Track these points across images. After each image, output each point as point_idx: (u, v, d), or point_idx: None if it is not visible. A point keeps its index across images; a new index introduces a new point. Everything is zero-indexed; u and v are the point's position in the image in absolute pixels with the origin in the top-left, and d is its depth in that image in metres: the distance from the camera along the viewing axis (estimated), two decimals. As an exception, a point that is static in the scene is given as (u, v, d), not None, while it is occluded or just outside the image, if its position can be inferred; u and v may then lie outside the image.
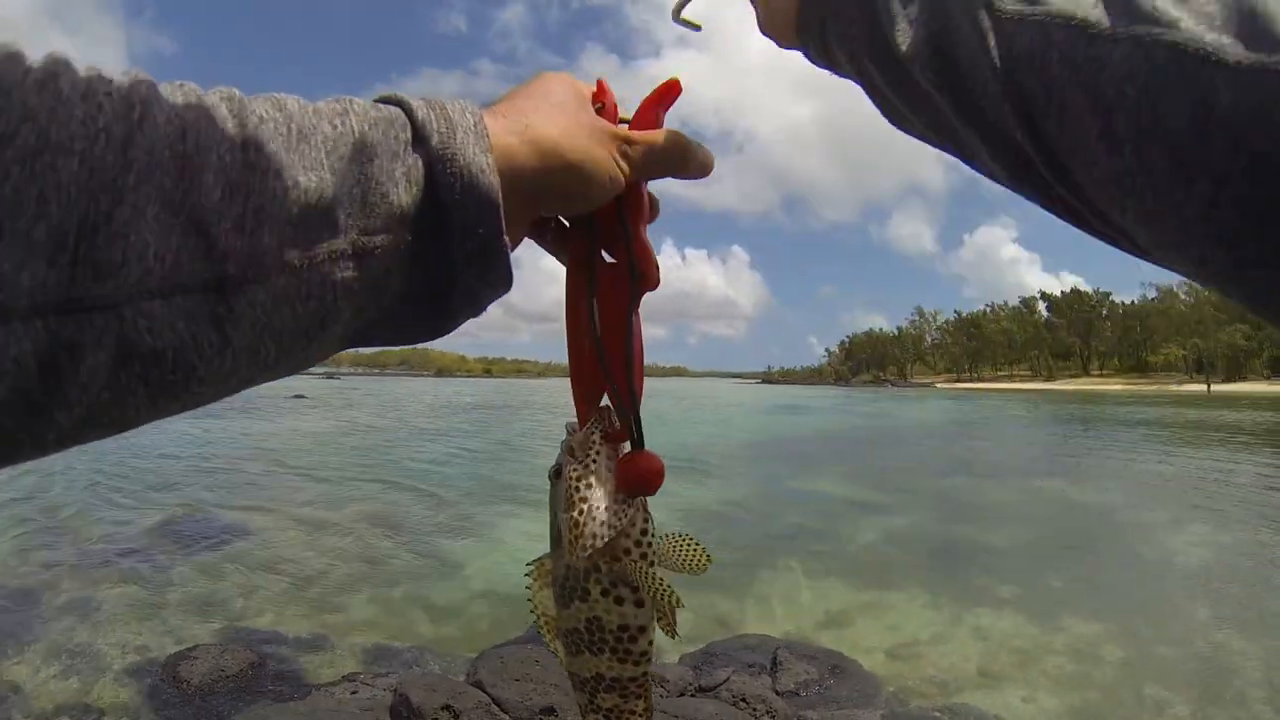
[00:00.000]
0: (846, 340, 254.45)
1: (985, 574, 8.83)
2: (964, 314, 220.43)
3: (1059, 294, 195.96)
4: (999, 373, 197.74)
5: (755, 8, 0.72)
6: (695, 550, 0.67)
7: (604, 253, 0.68)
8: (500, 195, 0.50)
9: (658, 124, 0.67)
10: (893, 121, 0.63)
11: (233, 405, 34.69)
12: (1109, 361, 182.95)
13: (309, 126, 0.45)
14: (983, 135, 0.51)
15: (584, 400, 0.71)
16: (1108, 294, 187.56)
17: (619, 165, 0.60)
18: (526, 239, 0.63)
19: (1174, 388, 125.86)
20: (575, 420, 0.71)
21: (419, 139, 0.49)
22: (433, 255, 0.50)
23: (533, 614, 0.73)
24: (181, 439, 21.42)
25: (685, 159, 0.65)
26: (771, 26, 0.71)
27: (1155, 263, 0.47)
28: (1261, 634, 6.75)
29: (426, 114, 0.50)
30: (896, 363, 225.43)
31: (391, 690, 4.74)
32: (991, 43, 0.47)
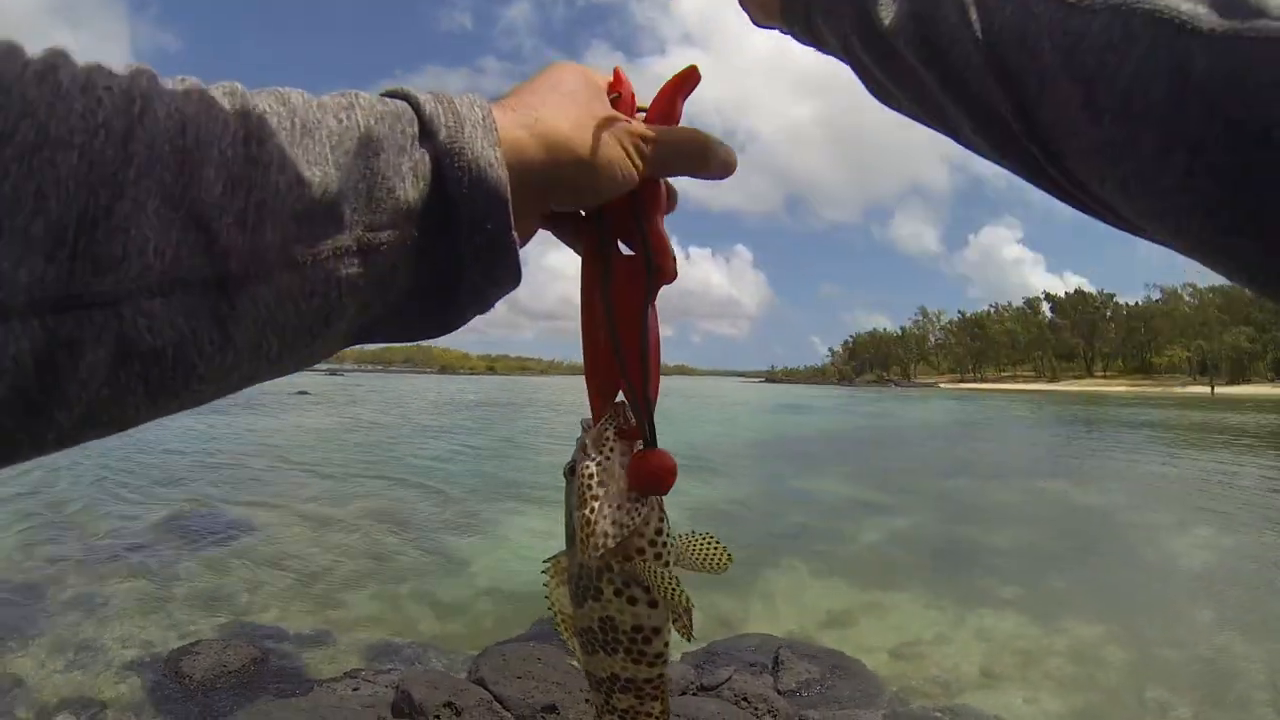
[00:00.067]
0: (850, 340, 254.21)
1: (988, 575, 8.82)
2: (968, 314, 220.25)
3: (1063, 295, 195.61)
4: (1002, 373, 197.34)
5: None
6: (716, 549, 0.67)
7: (621, 244, 0.67)
8: (509, 190, 0.49)
9: (676, 113, 0.66)
10: (880, 98, 0.63)
11: (237, 401, 34.72)
12: (1112, 363, 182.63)
13: (313, 121, 0.44)
14: (967, 109, 0.51)
15: (599, 396, 0.69)
16: (1112, 295, 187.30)
17: (632, 161, 0.59)
18: (541, 230, 0.62)
19: (1178, 390, 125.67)
20: (590, 417, 0.70)
21: (426, 133, 0.48)
22: (440, 251, 0.49)
23: (550, 610, 0.73)
24: (187, 434, 21.47)
25: (704, 158, 0.63)
26: (756, 5, 0.71)
27: (1138, 235, 0.47)
28: (1264, 637, 6.73)
29: (434, 108, 0.49)
30: (900, 363, 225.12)
31: (394, 687, 4.75)
32: (973, 15, 0.48)
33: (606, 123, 0.58)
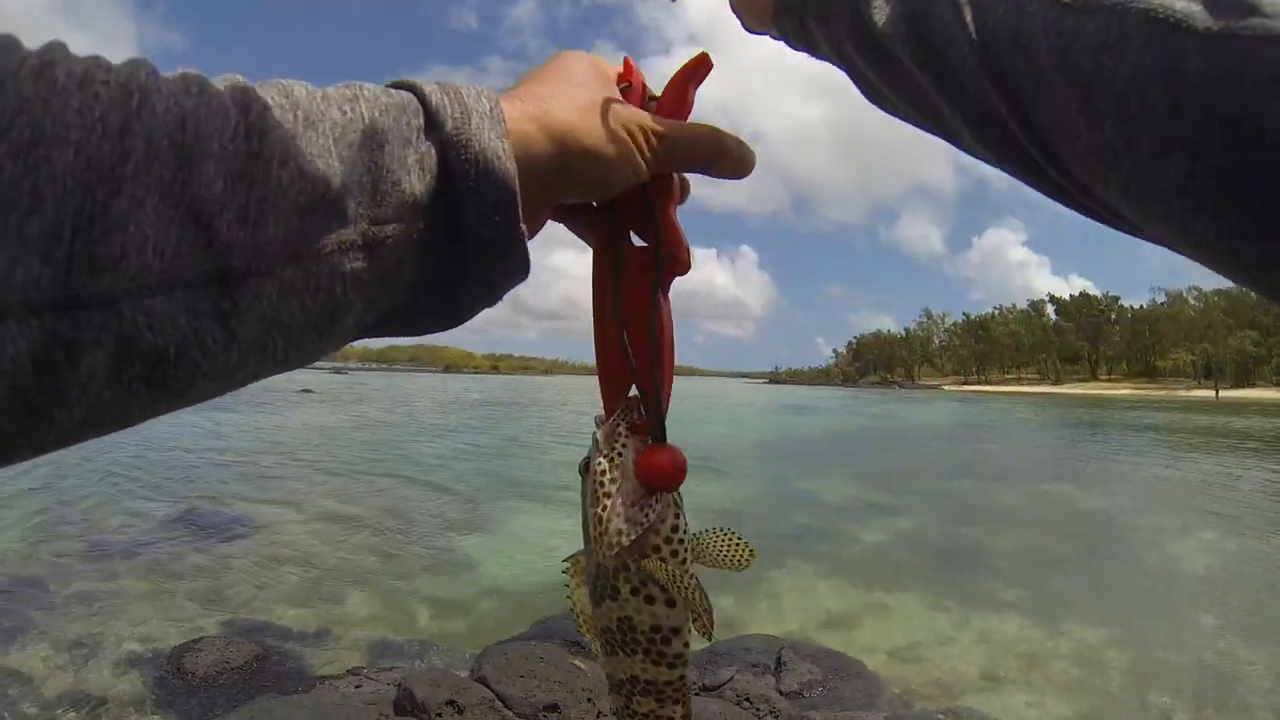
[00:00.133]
0: (854, 341, 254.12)
1: (991, 577, 8.81)
2: (972, 316, 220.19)
3: (1067, 297, 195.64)
4: (1006, 376, 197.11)
5: None
6: (738, 545, 0.65)
7: (634, 235, 0.65)
8: (517, 182, 0.49)
9: (688, 102, 0.65)
10: (875, 103, 0.62)
11: (242, 399, 34.84)
12: (1117, 366, 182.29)
13: (316, 113, 0.43)
14: (964, 111, 0.51)
15: (611, 391, 0.66)
16: (1116, 298, 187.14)
17: (643, 155, 0.58)
18: (544, 230, 0.61)
19: (1182, 393, 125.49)
20: (603, 413, 0.67)
21: (432, 125, 0.47)
22: (447, 244, 0.48)
23: (571, 611, 0.71)
24: (193, 432, 21.52)
25: (717, 156, 0.62)
26: (748, 9, 0.69)
27: (1143, 238, 0.47)
28: (1267, 642, 6.72)
29: (440, 99, 0.48)
30: (904, 364, 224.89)
31: (395, 685, 4.75)
32: (968, 16, 0.48)
33: (617, 115, 0.57)
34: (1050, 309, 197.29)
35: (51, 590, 7.23)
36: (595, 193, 0.59)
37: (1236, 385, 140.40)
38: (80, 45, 0.38)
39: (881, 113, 0.63)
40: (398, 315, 0.51)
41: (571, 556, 0.69)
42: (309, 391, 51.61)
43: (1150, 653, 6.54)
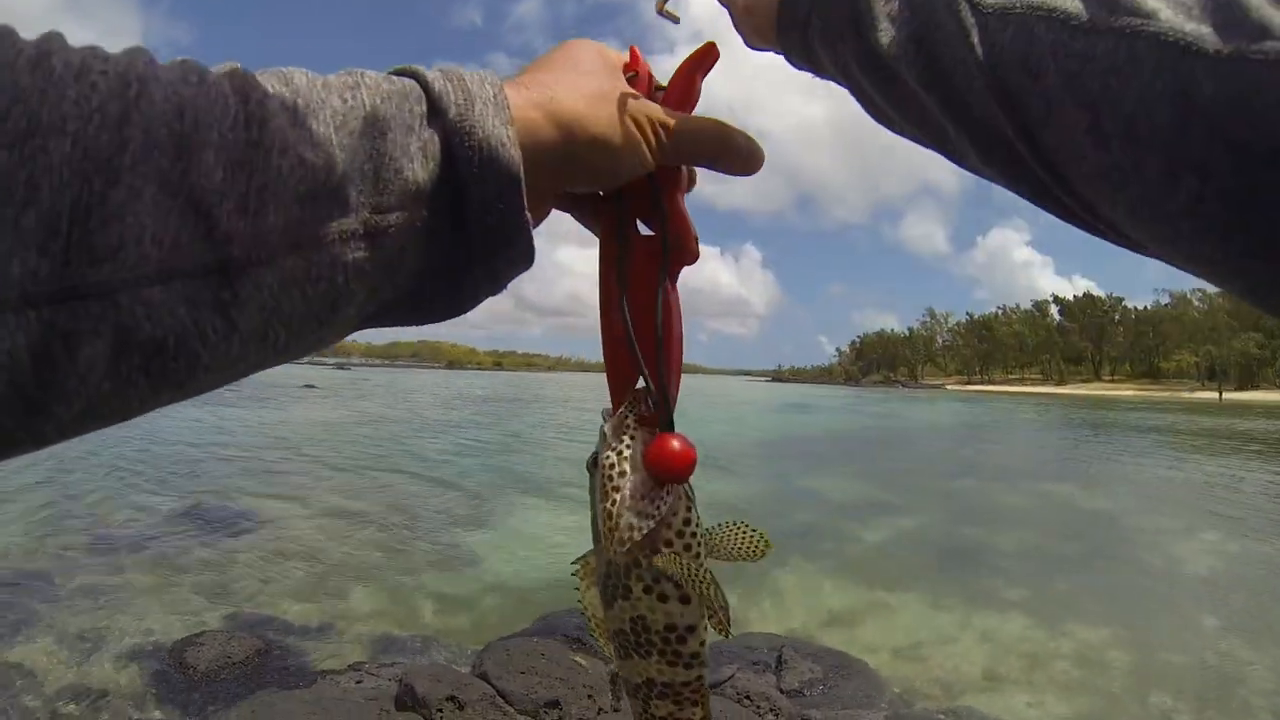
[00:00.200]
0: (857, 340, 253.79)
1: (993, 577, 8.81)
2: (976, 316, 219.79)
3: (1071, 298, 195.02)
4: (1010, 376, 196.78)
5: (730, 7, 0.70)
6: (751, 536, 0.64)
7: (641, 224, 0.64)
8: (521, 169, 0.48)
9: (695, 91, 0.64)
10: (880, 121, 0.62)
11: (245, 394, 34.90)
12: (1120, 367, 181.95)
13: (317, 101, 0.43)
14: (970, 133, 0.50)
15: (619, 383, 0.65)
16: (1121, 299, 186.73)
17: (649, 146, 0.57)
18: (546, 229, 0.60)
19: (1186, 395, 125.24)
20: (610, 406, 0.65)
21: (435, 111, 0.47)
22: (450, 232, 0.48)
23: (583, 615, 0.69)
24: (197, 427, 21.55)
25: (724, 151, 0.61)
26: (749, 25, 0.69)
27: (1151, 256, 0.46)
28: (1269, 643, 6.71)
29: (443, 85, 0.47)
30: (907, 363, 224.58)
31: (397, 680, 4.76)
32: (975, 39, 0.47)
33: (624, 104, 0.56)
34: (1054, 309, 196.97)
35: (55, 584, 7.24)
36: (602, 182, 0.59)
37: (1240, 387, 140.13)
38: (84, 39, 0.37)
39: None
40: (401, 304, 0.50)
41: (581, 558, 0.68)
42: (311, 387, 51.65)
43: (1152, 653, 6.53)
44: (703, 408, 47.62)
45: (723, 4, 0.71)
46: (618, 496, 0.59)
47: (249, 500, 11.58)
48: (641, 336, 0.62)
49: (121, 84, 0.36)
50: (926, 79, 0.51)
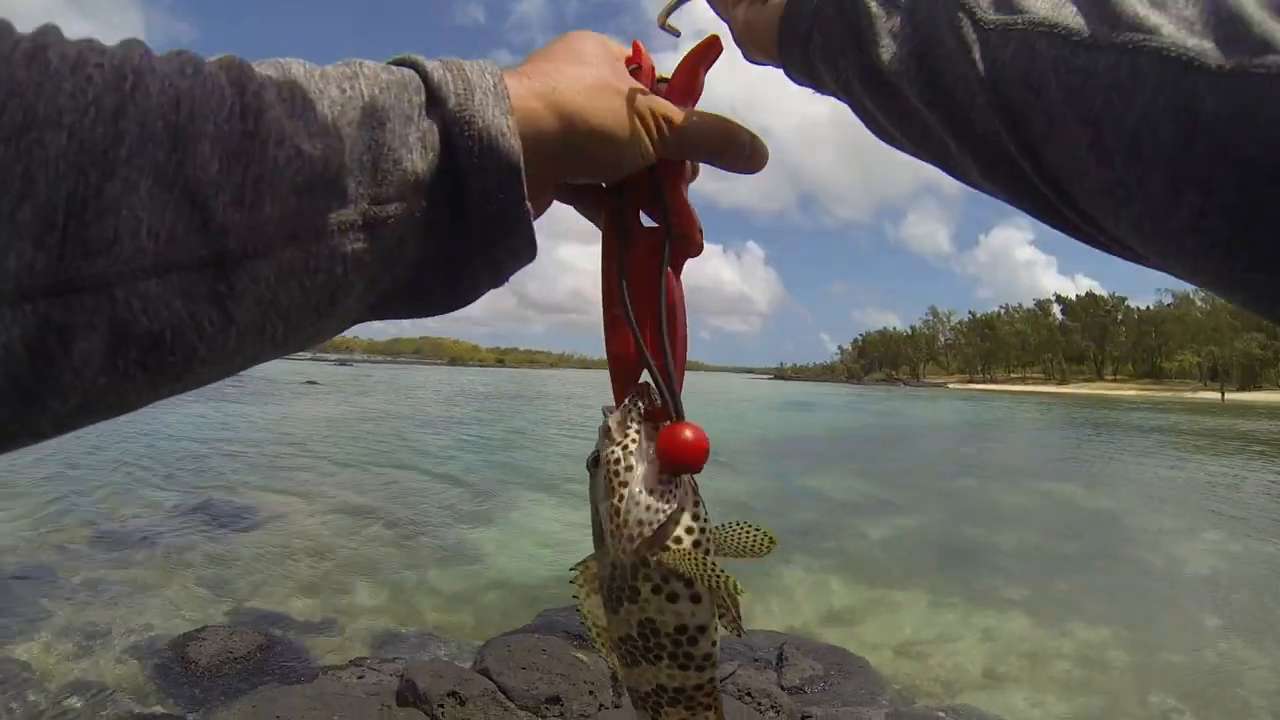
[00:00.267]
0: (859, 338, 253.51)
1: (994, 575, 8.80)
2: (978, 315, 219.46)
3: (1074, 297, 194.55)
4: (1012, 375, 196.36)
5: (730, 22, 0.69)
6: (756, 534, 0.61)
7: (646, 215, 0.63)
8: (522, 159, 0.47)
9: (698, 85, 0.64)
10: (881, 138, 0.61)
11: (247, 390, 34.92)
12: (1123, 367, 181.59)
13: (314, 91, 0.42)
14: (973, 150, 0.50)
15: (621, 377, 0.64)
16: (1123, 299, 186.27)
17: (651, 140, 0.57)
18: (548, 224, 0.59)
19: (1188, 395, 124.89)
20: (612, 403, 0.63)
21: (434, 101, 0.46)
22: (450, 223, 0.47)
23: (583, 625, 0.65)
24: (200, 422, 21.54)
25: (728, 148, 0.61)
26: (750, 40, 0.68)
27: (1154, 268, 0.46)
28: (1270, 644, 6.71)
29: (442, 75, 0.47)
30: (909, 362, 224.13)
31: (398, 676, 4.76)
32: (976, 55, 0.47)
33: (627, 95, 0.56)
34: (1056, 309, 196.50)
35: (59, 579, 7.26)
36: (603, 173, 0.58)
37: (1243, 388, 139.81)
38: (87, 35, 0.37)
39: None
40: (400, 295, 0.50)
41: (579, 564, 0.65)
42: (314, 383, 51.56)
43: (1153, 653, 6.53)
44: (704, 405, 47.58)
45: (723, 18, 0.70)
46: (625, 492, 0.58)
47: (251, 495, 11.59)
48: (644, 328, 0.61)
49: (117, 76, 0.36)
50: (928, 95, 0.51)
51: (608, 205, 0.64)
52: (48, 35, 0.36)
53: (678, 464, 0.58)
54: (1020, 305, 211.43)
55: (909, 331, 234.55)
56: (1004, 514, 13.06)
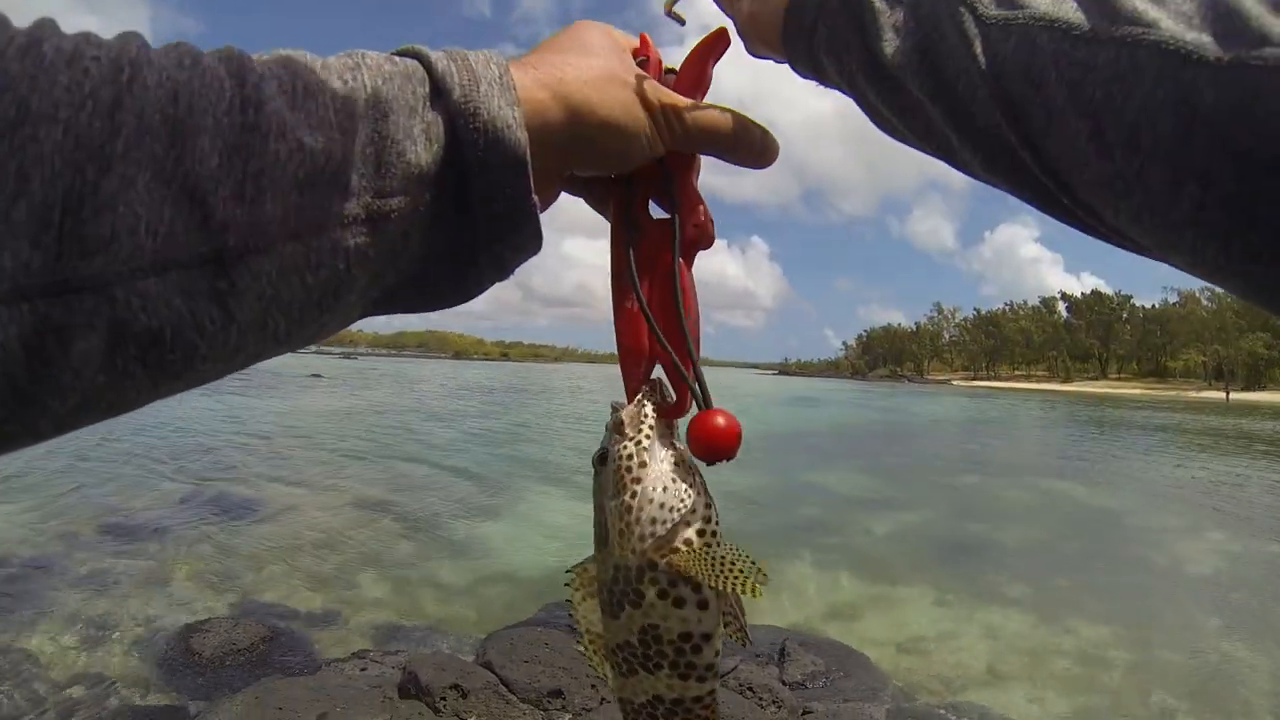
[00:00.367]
0: (864, 334, 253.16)
1: (996, 573, 8.79)
2: (983, 312, 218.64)
3: (1079, 295, 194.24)
4: (1016, 372, 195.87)
5: (735, 15, 0.69)
6: (749, 566, 0.55)
7: (658, 206, 0.62)
8: (528, 152, 0.47)
9: (706, 78, 0.63)
10: (884, 130, 0.61)
11: (252, 383, 34.91)
12: (1127, 365, 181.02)
13: (315, 83, 0.41)
14: (975, 143, 0.50)
15: (633, 372, 0.62)
16: (1128, 297, 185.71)
17: (659, 132, 0.56)
18: (551, 221, 0.58)
19: (1192, 394, 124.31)
20: (621, 399, 0.61)
21: (438, 93, 0.46)
22: (455, 216, 0.47)
23: (576, 629, 0.63)
24: (207, 415, 21.54)
25: (739, 142, 0.60)
26: (754, 34, 0.68)
27: (1154, 259, 0.46)
28: (1271, 644, 6.70)
29: (447, 66, 0.46)
30: (914, 358, 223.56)
31: (400, 668, 4.77)
32: (978, 49, 0.47)
33: (635, 87, 0.55)
34: (1061, 306, 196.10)
35: (67, 570, 7.28)
36: (611, 165, 0.58)
37: (1247, 387, 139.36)
38: (95, 29, 0.37)
39: None
40: (405, 289, 0.49)
41: (576, 566, 0.62)
42: (318, 376, 51.54)
43: (1153, 652, 6.53)
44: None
45: (727, 13, 0.70)
46: (637, 489, 0.56)
47: (257, 488, 11.61)
48: (657, 320, 0.59)
49: (114, 69, 0.35)
50: (930, 89, 0.51)
51: (616, 198, 0.63)
52: (43, 29, 0.35)
53: (712, 451, 0.56)
54: (1025, 302, 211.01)
55: (913, 328, 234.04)
56: (1007, 511, 13.04)
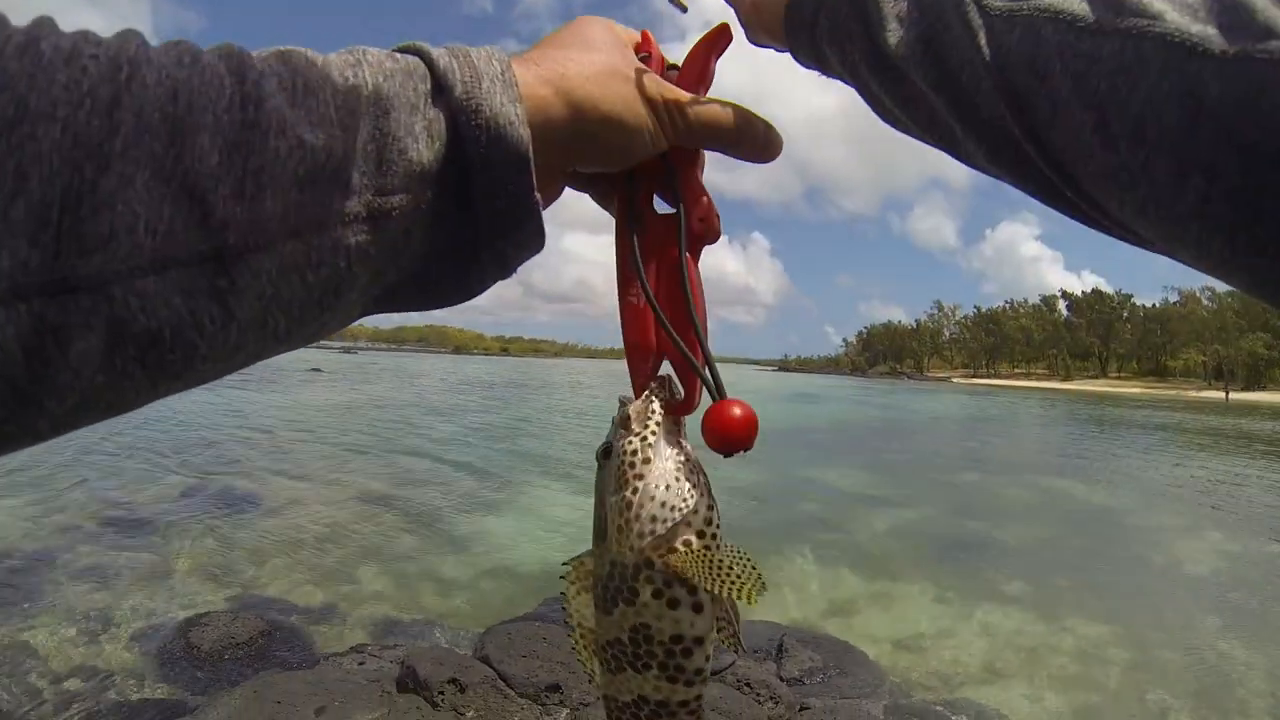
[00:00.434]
0: (864, 331, 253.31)
1: (994, 570, 8.79)
2: (983, 310, 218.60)
3: (1080, 294, 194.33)
4: (1016, 370, 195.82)
5: (736, 5, 0.69)
6: (750, 570, 0.55)
7: (663, 201, 0.62)
8: (531, 148, 0.47)
9: (709, 74, 0.63)
10: (887, 122, 0.61)
11: (252, 378, 34.85)
12: (1127, 364, 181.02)
13: (316, 79, 0.41)
14: (979, 134, 0.50)
15: (639, 367, 0.61)
16: (1129, 296, 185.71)
17: (662, 127, 0.56)
18: (551, 218, 0.58)
19: (1192, 394, 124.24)
20: (627, 395, 0.61)
21: (440, 89, 0.45)
22: (457, 213, 0.46)
23: (567, 624, 0.63)
24: (208, 409, 21.51)
25: (742, 137, 0.60)
26: (757, 23, 0.68)
27: (1158, 252, 0.46)
28: (1269, 644, 6.70)
29: (448, 62, 0.46)
30: (914, 356, 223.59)
31: (399, 662, 4.77)
32: (982, 40, 0.47)
33: (636, 81, 0.55)
34: (1062, 304, 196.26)
35: (68, 563, 7.29)
36: (614, 160, 0.57)
37: (1247, 387, 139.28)
38: (97, 28, 0.37)
39: None
40: (406, 287, 0.49)
41: (574, 559, 0.62)
42: (318, 370, 51.53)
43: (1151, 651, 6.53)
44: (708, 397, 47.43)
45: (729, 2, 0.70)
46: (640, 485, 0.56)
47: (258, 482, 11.61)
48: (668, 313, 0.59)
49: (113, 67, 0.35)
50: (934, 79, 0.51)
51: (621, 193, 0.62)
52: (41, 27, 0.35)
53: (728, 442, 0.55)
54: (1025, 301, 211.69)
55: (914, 325, 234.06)
56: (1006, 509, 13.04)
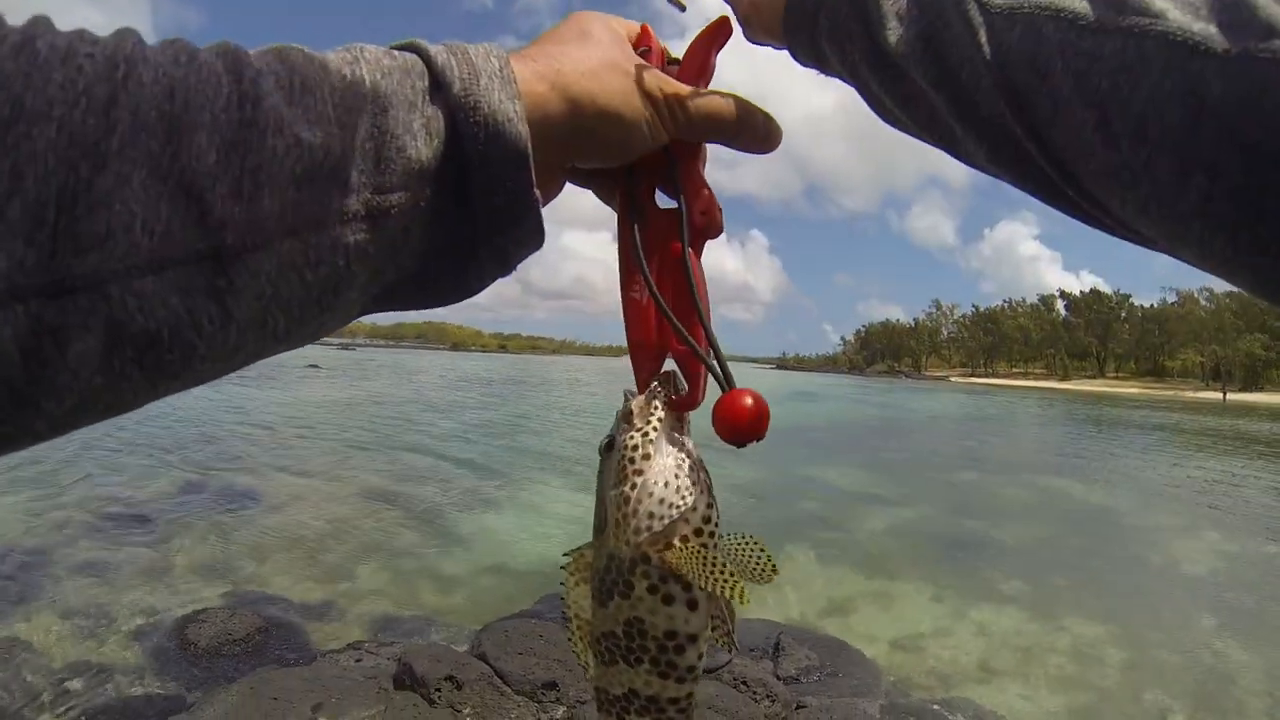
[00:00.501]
0: (863, 329, 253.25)
1: (991, 569, 8.81)
2: (981, 309, 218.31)
3: (1078, 294, 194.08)
4: (1014, 370, 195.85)
5: (735, 4, 0.68)
6: (759, 555, 0.56)
7: (665, 195, 0.61)
8: (529, 145, 0.46)
9: (710, 67, 0.62)
10: (887, 120, 0.61)
11: (250, 374, 34.79)
12: (1125, 364, 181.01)
13: (314, 77, 0.41)
14: (979, 132, 0.50)
15: (642, 364, 0.61)
16: (1127, 296, 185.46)
17: (662, 121, 0.56)
18: (551, 216, 0.58)
19: (1189, 394, 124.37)
20: (631, 389, 0.61)
21: (438, 87, 0.45)
22: (456, 211, 0.46)
23: (565, 615, 0.62)
24: (208, 405, 21.51)
25: (742, 128, 0.59)
26: (756, 22, 0.67)
27: (1160, 251, 0.46)
28: (1264, 644, 6.72)
29: (446, 59, 0.46)
30: (912, 354, 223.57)
31: (396, 659, 4.78)
32: (982, 38, 0.47)
33: (636, 77, 0.55)
34: (1060, 304, 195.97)
35: (66, 559, 7.30)
36: (613, 155, 0.57)
37: (1244, 388, 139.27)
38: (97, 25, 0.36)
39: None
40: (405, 285, 0.48)
41: (574, 550, 0.62)
42: (315, 367, 51.54)
43: (1147, 651, 6.54)
44: (714, 390, 47.45)
45: (727, 1, 0.69)
46: (639, 480, 0.56)
47: (257, 478, 11.62)
48: (671, 306, 0.58)
49: (109, 66, 0.35)
50: (934, 78, 0.51)
51: (622, 188, 0.62)
52: (37, 26, 0.35)
53: (740, 432, 0.55)
54: (1024, 300, 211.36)
55: (912, 324, 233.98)
56: (1003, 508, 13.06)
